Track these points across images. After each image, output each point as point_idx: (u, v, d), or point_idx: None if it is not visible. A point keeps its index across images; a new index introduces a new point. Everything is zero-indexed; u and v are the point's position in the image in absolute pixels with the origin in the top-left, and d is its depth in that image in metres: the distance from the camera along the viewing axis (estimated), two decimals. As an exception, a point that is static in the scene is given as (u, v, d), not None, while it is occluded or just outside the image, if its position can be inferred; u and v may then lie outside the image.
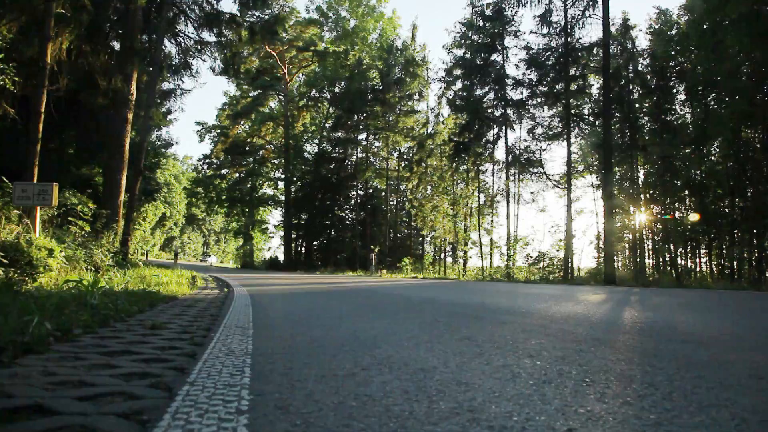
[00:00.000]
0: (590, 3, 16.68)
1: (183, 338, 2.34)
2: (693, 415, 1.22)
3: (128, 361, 1.75)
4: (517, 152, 21.35)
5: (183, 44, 15.34)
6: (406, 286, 9.43)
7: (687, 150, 20.17)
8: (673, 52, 20.81)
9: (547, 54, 19.32)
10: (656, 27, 21.59)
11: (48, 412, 1.12)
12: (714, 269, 19.87)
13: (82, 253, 7.68)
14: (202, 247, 70.12)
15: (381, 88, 25.90)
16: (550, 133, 20.63)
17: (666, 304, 5.42)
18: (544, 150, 21.31)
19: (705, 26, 18.88)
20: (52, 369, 1.57)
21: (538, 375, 1.63)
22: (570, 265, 18.77)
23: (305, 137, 32.26)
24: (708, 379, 1.62)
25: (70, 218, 8.83)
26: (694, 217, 18.75)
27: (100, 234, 9.23)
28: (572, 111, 19.48)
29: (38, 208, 5.69)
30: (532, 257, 20.09)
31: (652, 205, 22.76)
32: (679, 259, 21.48)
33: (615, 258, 20.91)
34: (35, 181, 9.22)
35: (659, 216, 21.84)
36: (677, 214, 21.35)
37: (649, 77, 20.55)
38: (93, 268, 7.60)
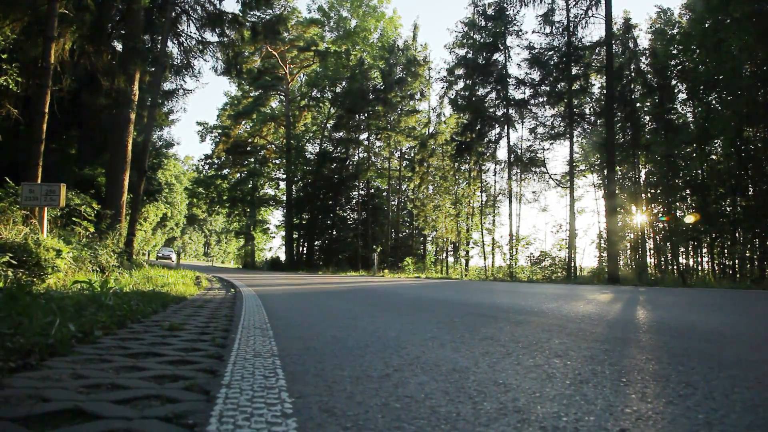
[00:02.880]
0: (593, 2, 16.67)
1: (203, 339, 2.32)
2: (741, 415, 1.20)
3: (155, 363, 1.73)
4: (519, 152, 21.35)
5: (185, 44, 15.31)
6: (412, 286, 9.41)
7: (688, 149, 20.17)
8: (674, 51, 20.82)
9: (550, 53, 19.30)
10: (657, 26, 21.59)
11: (89, 416, 1.10)
12: (715, 268, 19.88)
13: (88, 253, 7.67)
14: (200, 244, 61.63)
15: (382, 87, 25.88)
16: (552, 132, 20.62)
17: (676, 303, 5.40)
18: (547, 150, 21.33)
19: (706, 25, 18.88)
20: (81, 372, 1.55)
21: (572, 375, 1.61)
22: (573, 264, 18.76)
23: (306, 137, 32.23)
24: (744, 378, 1.60)
25: (74, 218, 8.80)
26: (691, 218, 18.78)
27: (105, 234, 9.21)
28: (575, 110, 19.47)
29: (46, 208, 5.66)
30: (534, 257, 20.09)
31: (653, 204, 22.77)
32: (680, 258, 21.48)
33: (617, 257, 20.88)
34: (39, 181, 9.19)
35: (660, 215, 21.85)
36: (678, 213, 21.36)
37: (650, 76, 20.54)
38: (98, 269, 7.58)
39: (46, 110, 9.15)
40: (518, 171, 21.74)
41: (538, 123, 20.95)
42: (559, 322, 3.23)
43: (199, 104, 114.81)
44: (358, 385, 1.39)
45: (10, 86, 10.44)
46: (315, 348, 2.06)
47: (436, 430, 1.03)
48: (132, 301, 3.51)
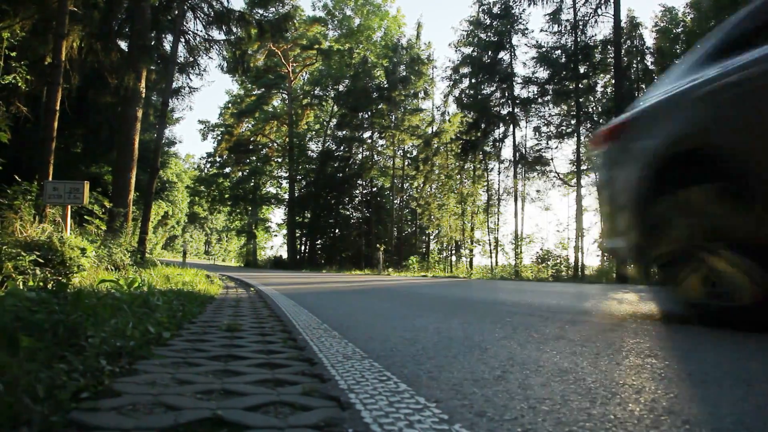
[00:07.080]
0: (602, 1, 16.68)
1: (271, 341, 2.26)
2: None
3: (245, 367, 1.67)
4: (524, 150, 21.35)
5: (191, 42, 15.20)
6: (427, 284, 9.37)
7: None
8: (679, 50, 20.84)
9: (558, 52, 19.30)
10: (662, 25, 21.62)
11: (235, 426, 1.04)
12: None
13: (104, 252, 7.60)
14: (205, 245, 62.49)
15: (386, 86, 25.83)
16: (558, 131, 20.62)
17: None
18: (555, 148, 21.35)
19: (712, 24, 18.90)
20: (180, 376, 1.49)
21: (684, 375, 1.56)
22: (582, 263, 18.77)
23: (309, 136, 32.16)
24: None
25: (86, 217, 8.72)
26: None
27: (118, 233, 9.14)
28: (582, 109, 19.48)
29: (69, 207, 5.58)
30: (539, 255, 20.08)
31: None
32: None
33: (622, 255, 20.85)
34: (50, 179, 9.07)
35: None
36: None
37: (656, 76, 20.57)
38: (113, 268, 7.50)
39: (58, 108, 9.05)
40: (523, 170, 21.75)
41: (545, 121, 20.96)
42: (612, 320, 3.18)
43: (200, 102, 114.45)
44: (483, 388, 1.34)
45: (19, 84, 10.33)
46: (397, 349, 2.00)
47: (613, 436, 0.98)
48: (174, 301, 3.45)
